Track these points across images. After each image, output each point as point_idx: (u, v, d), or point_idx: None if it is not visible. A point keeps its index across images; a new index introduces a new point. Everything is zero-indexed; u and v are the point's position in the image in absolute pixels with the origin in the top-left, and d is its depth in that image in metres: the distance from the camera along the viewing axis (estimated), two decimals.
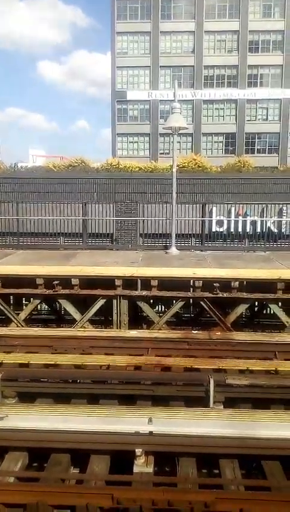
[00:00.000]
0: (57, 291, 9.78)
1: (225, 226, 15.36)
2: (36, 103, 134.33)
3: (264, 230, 14.67)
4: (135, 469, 4.28)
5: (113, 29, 47.78)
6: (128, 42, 48.24)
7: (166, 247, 13.28)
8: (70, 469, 4.60)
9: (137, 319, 10.66)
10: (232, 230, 15.34)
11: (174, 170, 12.45)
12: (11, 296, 11.01)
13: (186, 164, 24.54)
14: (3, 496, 3.80)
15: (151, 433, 4.52)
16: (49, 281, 9.87)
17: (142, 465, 4.30)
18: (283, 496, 3.98)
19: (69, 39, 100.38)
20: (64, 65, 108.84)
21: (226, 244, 14.93)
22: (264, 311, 11.59)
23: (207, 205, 14.72)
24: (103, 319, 10.84)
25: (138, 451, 4.32)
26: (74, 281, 9.78)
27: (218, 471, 4.43)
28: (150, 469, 4.30)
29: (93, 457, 4.51)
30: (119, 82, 48.53)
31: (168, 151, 45.13)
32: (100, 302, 9.75)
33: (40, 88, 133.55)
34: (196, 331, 9.14)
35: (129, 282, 9.86)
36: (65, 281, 9.85)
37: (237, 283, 9.69)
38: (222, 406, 5.36)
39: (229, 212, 15.67)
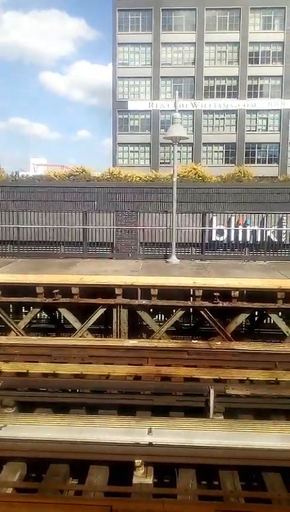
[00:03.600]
0: (56, 300, 9.77)
1: (225, 235, 15.36)
2: (39, 113, 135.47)
3: (264, 239, 14.67)
4: (134, 480, 4.23)
5: (114, 40, 48.29)
6: (130, 53, 48.72)
7: (166, 256, 13.29)
8: (69, 480, 4.56)
9: (137, 328, 10.63)
10: (232, 239, 15.34)
11: (174, 179, 12.51)
12: (11, 305, 11.00)
13: (186, 173, 24.73)
14: (1, 507, 3.76)
15: (151, 443, 4.48)
16: (49, 290, 9.86)
17: (141, 476, 4.25)
18: (283, 509, 3.94)
19: (72, 50, 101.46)
20: (67, 76, 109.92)
21: (227, 253, 14.93)
22: (265, 321, 11.56)
23: (207, 214, 14.77)
24: (103, 328, 10.81)
25: (138, 461, 4.27)
26: (74, 290, 9.77)
27: (218, 482, 4.39)
28: (149, 480, 4.25)
29: (92, 467, 4.47)
30: (120, 92, 48.93)
31: (168, 161, 45.41)
32: (100, 311, 9.73)
33: (43, 98, 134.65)
34: (196, 341, 9.11)
35: (129, 291, 9.85)
36: (65, 290, 9.84)
37: (237, 292, 9.69)
38: (222, 417, 5.33)
39: (229, 222, 15.68)
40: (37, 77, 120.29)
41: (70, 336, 9.77)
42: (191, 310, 10.69)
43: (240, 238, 15.41)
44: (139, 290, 9.88)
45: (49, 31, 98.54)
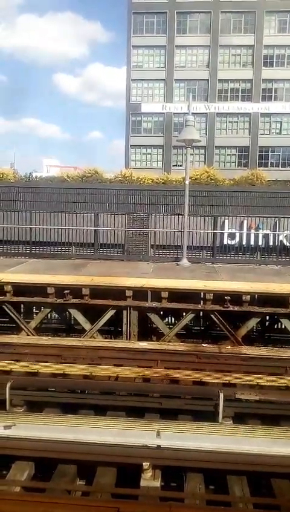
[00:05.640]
0: (67, 300, 9.80)
1: (237, 239, 15.30)
2: (52, 114, 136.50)
3: (276, 243, 14.58)
4: (142, 483, 4.22)
5: (129, 43, 48.42)
6: (144, 56, 48.80)
7: (177, 259, 13.26)
8: (77, 480, 4.56)
9: (147, 331, 10.61)
10: (244, 243, 15.26)
11: (186, 182, 12.48)
12: (22, 305, 11.06)
13: (199, 176, 24.64)
14: (9, 506, 3.77)
15: (159, 446, 4.47)
16: (60, 290, 9.90)
17: (149, 479, 4.25)
18: None
19: (86, 52, 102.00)
20: (80, 77, 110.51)
21: (238, 257, 14.86)
22: (276, 326, 11.46)
23: (219, 218, 14.70)
24: (113, 329, 10.81)
25: (145, 464, 4.26)
26: (85, 291, 9.79)
27: (226, 487, 4.36)
28: (157, 483, 4.24)
29: (100, 469, 4.47)
30: (134, 94, 49.02)
31: (181, 163, 45.26)
32: (110, 313, 9.74)
33: (56, 99, 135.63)
34: (205, 345, 9.07)
35: (139, 293, 9.84)
36: (76, 291, 9.86)
37: (248, 297, 9.61)
38: (231, 422, 5.29)
39: (241, 225, 15.62)
40: (51, 78, 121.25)
41: (80, 336, 9.78)
42: (201, 313, 10.64)
43: (252, 242, 15.34)
44: (149, 293, 9.87)
45: (64, 34, 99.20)
